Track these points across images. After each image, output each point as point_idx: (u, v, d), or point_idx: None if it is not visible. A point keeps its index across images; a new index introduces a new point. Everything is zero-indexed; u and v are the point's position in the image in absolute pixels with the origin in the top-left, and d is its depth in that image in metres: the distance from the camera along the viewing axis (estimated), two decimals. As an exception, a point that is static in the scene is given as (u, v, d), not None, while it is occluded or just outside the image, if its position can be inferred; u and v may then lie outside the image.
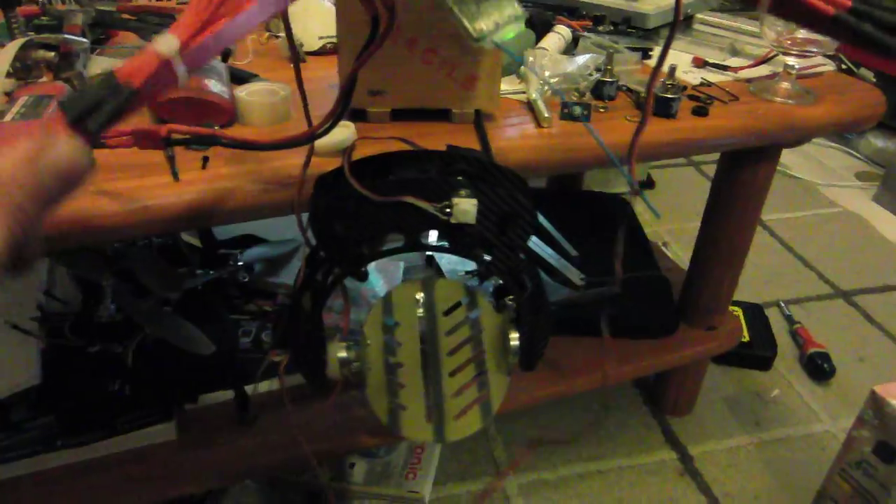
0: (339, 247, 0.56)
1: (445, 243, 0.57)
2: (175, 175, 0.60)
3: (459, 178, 0.55)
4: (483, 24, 0.37)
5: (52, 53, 0.72)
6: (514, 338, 0.59)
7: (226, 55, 0.82)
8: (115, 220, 0.57)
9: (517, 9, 0.37)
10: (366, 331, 0.61)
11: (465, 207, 0.52)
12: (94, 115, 0.31)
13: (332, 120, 0.52)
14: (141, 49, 0.33)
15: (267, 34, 0.95)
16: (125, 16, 0.84)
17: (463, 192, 0.53)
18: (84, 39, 0.76)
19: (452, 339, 0.60)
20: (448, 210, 0.52)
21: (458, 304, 0.60)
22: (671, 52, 1.00)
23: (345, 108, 0.52)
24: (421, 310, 0.61)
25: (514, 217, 0.55)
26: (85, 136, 0.30)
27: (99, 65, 0.81)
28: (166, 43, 0.32)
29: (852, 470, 0.97)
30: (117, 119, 0.32)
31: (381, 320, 0.60)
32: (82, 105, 0.31)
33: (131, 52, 0.86)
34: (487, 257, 0.57)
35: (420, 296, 0.61)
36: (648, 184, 1.97)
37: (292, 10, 0.95)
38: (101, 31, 0.87)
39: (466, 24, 0.36)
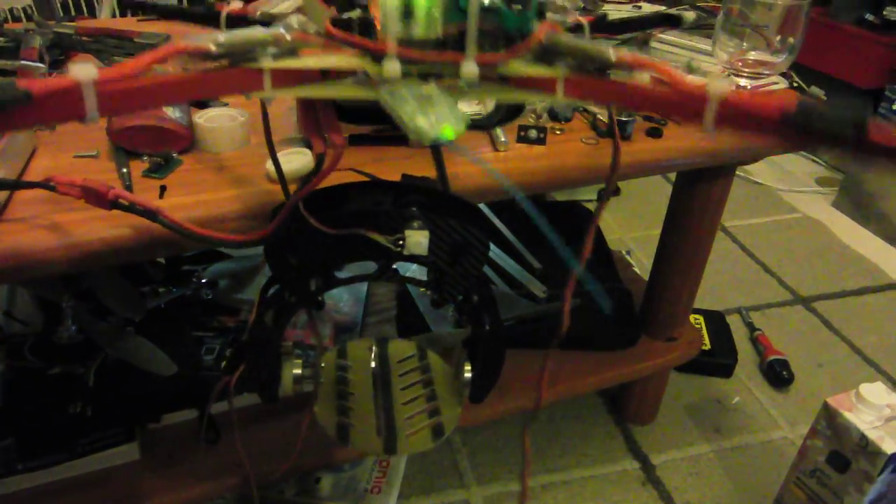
0: (294, 278, 0.57)
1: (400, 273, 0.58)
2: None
3: (413, 208, 0.56)
4: (423, 121, 0.37)
5: (9, 80, 0.71)
6: (468, 370, 0.60)
7: (185, 77, 0.82)
8: (65, 254, 0.57)
9: (458, 112, 0.37)
10: (322, 362, 0.62)
11: (418, 240, 0.53)
12: None
13: (278, 223, 0.53)
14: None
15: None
16: (84, 38, 0.83)
17: (416, 224, 0.54)
18: (41, 65, 0.76)
19: (404, 379, 0.61)
20: (401, 242, 0.53)
21: (410, 356, 0.62)
22: (629, 70, 1.02)
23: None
24: (374, 361, 0.62)
25: (466, 247, 0.56)
26: None
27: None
28: (84, 70, 0.31)
29: (807, 478, 0.99)
30: (3, 116, 0.31)
31: (335, 363, 0.62)
32: None
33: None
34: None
35: (374, 349, 0.62)
36: (614, 191, 1.99)
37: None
38: (60, 52, 0.87)
39: (406, 121, 0.37)
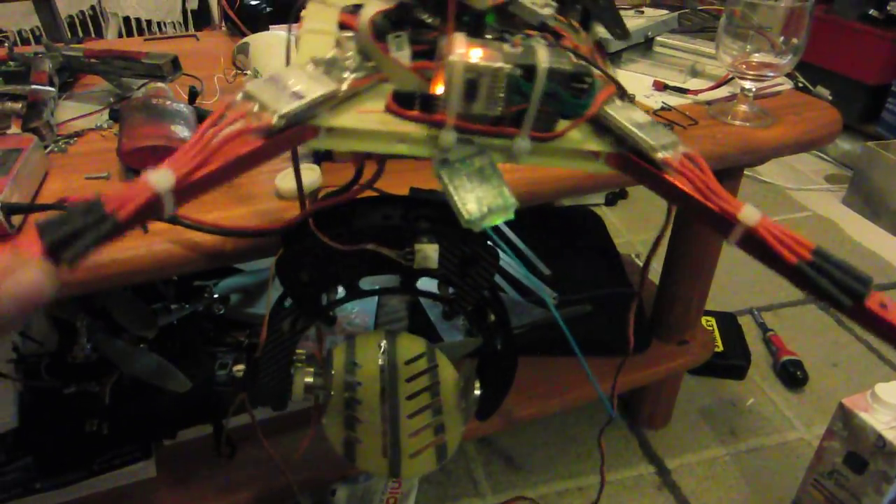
0: (305, 294, 0.57)
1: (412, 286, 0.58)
2: (144, 228, 0.60)
3: (422, 222, 0.56)
4: (475, 208, 0.37)
5: (20, 105, 0.72)
6: (477, 387, 0.60)
7: (193, 95, 0.83)
8: (82, 275, 0.58)
9: (508, 197, 0.38)
10: (332, 360, 0.63)
11: (427, 253, 0.54)
12: (72, 244, 0.29)
13: (299, 220, 0.54)
14: (135, 179, 0.31)
15: (234, 70, 0.96)
16: (92, 60, 0.84)
17: (425, 238, 0.54)
18: (51, 88, 0.77)
19: (412, 385, 0.62)
20: (410, 256, 0.54)
21: (419, 356, 0.62)
22: (633, 74, 1.02)
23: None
24: (383, 357, 0.62)
25: (476, 259, 0.56)
26: (58, 264, 0.29)
27: (67, 110, 0.82)
28: (162, 178, 0.31)
29: (825, 480, 0.99)
30: (95, 249, 0.30)
31: (344, 360, 0.62)
32: (62, 233, 0.29)
33: (98, 95, 0.87)
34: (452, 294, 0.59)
35: (384, 344, 0.62)
36: (621, 194, 2.00)
37: (253, 46, 0.96)
38: (69, 74, 0.88)
39: (458, 205, 0.37)
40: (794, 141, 0.87)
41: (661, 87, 0.95)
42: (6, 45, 0.87)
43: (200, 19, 2.02)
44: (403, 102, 0.39)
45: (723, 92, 0.95)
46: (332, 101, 0.38)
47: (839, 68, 2.25)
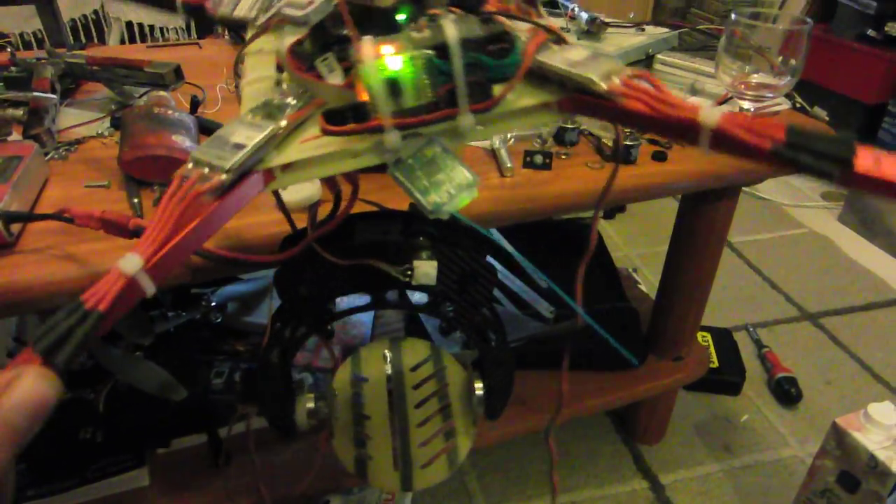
0: (305, 307, 0.57)
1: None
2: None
3: (421, 238, 0.56)
4: (437, 197, 0.37)
5: (21, 111, 0.72)
6: (479, 388, 0.60)
7: (195, 105, 0.83)
8: (80, 285, 0.58)
9: (467, 176, 0.38)
10: (335, 385, 0.62)
11: (426, 270, 0.54)
12: (63, 347, 0.30)
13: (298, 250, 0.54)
14: (105, 272, 0.32)
15: (236, 80, 0.97)
16: (94, 67, 0.84)
17: (424, 255, 0.54)
18: (53, 96, 0.77)
19: (419, 392, 0.61)
20: (409, 272, 0.54)
21: (424, 361, 0.62)
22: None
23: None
24: (388, 366, 0.62)
25: (474, 276, 0.56)
26: (55, 368, 0.30)
27: (68, 117, 0.82)
28: (130, 262, 0.32)
29: (817, 499, 0.99)
30: (86, 345, 0.31)
31: (350, 375, 0.62)
32: (50, 339, 0.30)
33: (100, 102, 0.87)
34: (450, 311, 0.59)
35: (388, 353, 0.62)
36: (619, 208, 2.00)
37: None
38: (71, 80, 0.88)
39: (420, 198, 0.37)
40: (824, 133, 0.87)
41: (660, 104, 0.96)
42: (9, 50, 0.88)
43: (203, 26, 2.02)
44: (336, 120, 0.39)
45: (722, 111, 0.95)
46: (276, 141, 0.38)
47: (837, 87, 2.26)
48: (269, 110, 0.40)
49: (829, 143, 0.33)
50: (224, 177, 0.36)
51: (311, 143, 0.39)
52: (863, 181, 0.33)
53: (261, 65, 0.48)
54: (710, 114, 0.35)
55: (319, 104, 0.40)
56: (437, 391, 0.62)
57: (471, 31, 0.38)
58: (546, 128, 0.84)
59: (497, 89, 0.40)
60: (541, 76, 0.40)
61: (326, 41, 0.42)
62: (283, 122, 0.38)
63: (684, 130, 0.36)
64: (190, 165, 0.37)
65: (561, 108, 0.40)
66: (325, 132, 0.39)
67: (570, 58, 0.39)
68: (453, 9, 0.43)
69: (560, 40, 0.41)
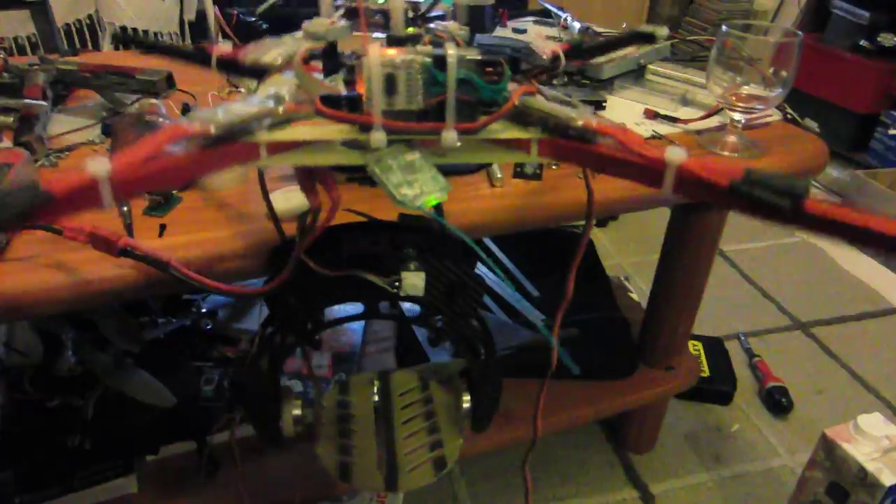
0: (293, 317, 0.57)
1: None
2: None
3: (409, 249, 0.56)
4: (408, 191, 0.39)
5: (12, 118, 0.72)
6: (466, 400, 0.61)
7: (186, 113, 0.83)
8: (69, 293, 0.58)
9: (441, 181, 0.40)
10: (323, 402, 0.63)
11: (414, 281, 0.54)
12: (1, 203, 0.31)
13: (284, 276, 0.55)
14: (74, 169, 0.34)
15: (228, 88, 0.97)
16: (87, 74, 0.84)
17: (412, 266, 0.54)
18: (44, 103, 0.77)
19: (406, 412, 0.62)
20: (397, 283, 0.54)
21: (412, 389, 0.63)
22: (625, 101, 1.03)
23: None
24: (376, 396, 0.63)
25: (462, 287, 0.57)
26: None
27: (59, 124, 0.82)
28: (99, 165, 0.33)
29: (806, 509, 0.99)
30: (27, 219, 0.32)
31: (337, 399, 0.62)
32: None
33: (91, 109, 0.87)
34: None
35: (376, 383, 0.63)
36: (611, 216, 2.00)
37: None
38: (62, 87, 0.88)
39: (392, 191, 0.39)
40: (782, 172, 0.88)
41: (651, 115, 0.96)
42: (1, 56, 0.87)
43: (197, 31, 2.02)
44: (331, 105, 0.41)
45: (713, 122, 0.95)
46: (270, 120, 0.40)
47: (829, 97, 2.27)
48: (275, 98, 0.42)
49: (783, 180, 0.35)
50: (213, 129, 0.37)
51: (300, 127, 0.42)
52: (813, 219, 0.34)
53: (278, 82, 0.50)
54: (675, 153, 0.37)
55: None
56: (424, 412, 0.63)
57: (469, 52, 0.41)
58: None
59: (483, 118, 0.42)
60: (524, 118, 0.43)
61: (336, 66, 0.47)
62: (281, 109, 0.41)
63: (650, 171, 0.37)
64: (185, 119, 0.38)
65: (541, 150, 0.43)
66: (318, 112, 0.41)
67: (554, 103, 0.43)
68: (458, 40, 0.46)
69: (541, 93, 0.45)
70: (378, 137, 0.40)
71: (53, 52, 1.14)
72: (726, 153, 0.88)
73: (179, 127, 0.36)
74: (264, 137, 0.40)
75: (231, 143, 0.38)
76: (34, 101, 0.75)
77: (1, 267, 0.59)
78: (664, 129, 0.93)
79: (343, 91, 0.44)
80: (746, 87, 0.87)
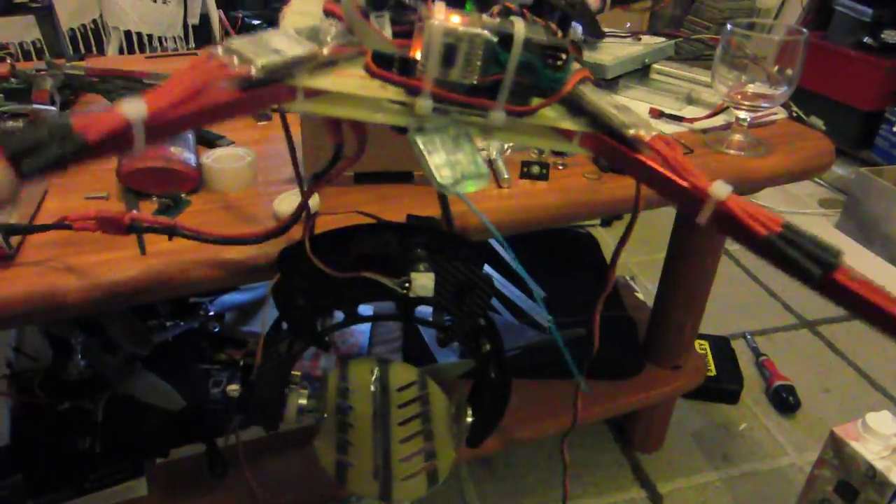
0: (302, 319, 0.58)
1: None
2: (142, 249, 0.61)
3: (419, 250, 0.57)
4: (449, 174, 0.38)
5: (20, 123, 0.73)
6: (469, 415, 0.61)
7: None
8: (80, 297, 0.58)
9: (482, 166, 0.38)
10: (328, 380, 0.63)
11: (423, 282, 0.54)
12: (34, 156, 0.29)
13: (289, 222, 0.54)
14: (107, 107, 0.32)
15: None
16: (93, 78, 0.85)
17: (421, 267, 0.55)
18: (52, 108, 0.77)
19: (403, 412, 0.62)
20: (407, 284, 0.54)
21: (410, 384, 0.63)
22: (630, 100, 1.03)
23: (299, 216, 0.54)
24: (374, 384, 0.63)
25: (471, 288, 0.57)
26: (18, 172, 0.29)
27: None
28: (134, 107, 0.32)
29: (815, 507, 0.99)
30: (60, 168, 0.30)
31: (337, 383, 0.62)
32: (25, 143, 0.29)
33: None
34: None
35: (375, 370, 0.63)
36: (617, 215, 2.00)
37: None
38: (70, 92, 0.88)
39: (433, 171, 0.37)
40: (786, 171, 0.88)
41: (657, 114, 0.96)
42: (8, 62, 0.88)
43: (201, 35, 2.03)
44: (382, 63, 0.40)
45: (718, 120, 0.95)
46: (313, 63, 0.38)
47: (834, 94, 2.27)
48: (315, 35, 0.40)
49: (818, 247, 0.35)
50: (255, 71, 0.35)
51: (348, 78, 0.39)
52: (839, 290, 0.34)
53: (307, 4, 0.48)
54: (720, 188, 0.36)
55: (362, 50, 0.40)
56: (421, 413, 0.63)
57: (537, 34, 0.39)
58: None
59: (536, 102, 0.40)
60: (575, 108, 0.41)
61: (384, 2, 0.43)
62: (326, 51, 0.39)
63: (690, 198, 0.37)
64: (220, 51, 0.37)
65: (583, 142, 0.41)
66: (368, 70, 0.39)
67: (607, 100, 0.41)
68: (526, 12, 0.44)
69: (600, 85, 0.43)
70: (424, 104, 0.38)
71: (59, 57, 1.14)
72: (732, 151, 0.88)
73: (217, 67, 0.34)
74: (306, 82, 0.38)
75: (268, 85, 0.36)
76: (42, 106, 0.75)
77: (13, 271, 0.59)
78: (669, 128, 0.93)
79: (389, 33, 0.41)
80: (752, 85, 0.87)
